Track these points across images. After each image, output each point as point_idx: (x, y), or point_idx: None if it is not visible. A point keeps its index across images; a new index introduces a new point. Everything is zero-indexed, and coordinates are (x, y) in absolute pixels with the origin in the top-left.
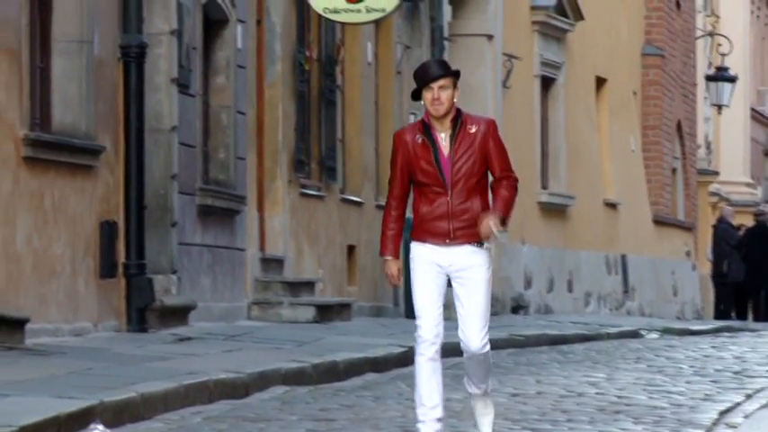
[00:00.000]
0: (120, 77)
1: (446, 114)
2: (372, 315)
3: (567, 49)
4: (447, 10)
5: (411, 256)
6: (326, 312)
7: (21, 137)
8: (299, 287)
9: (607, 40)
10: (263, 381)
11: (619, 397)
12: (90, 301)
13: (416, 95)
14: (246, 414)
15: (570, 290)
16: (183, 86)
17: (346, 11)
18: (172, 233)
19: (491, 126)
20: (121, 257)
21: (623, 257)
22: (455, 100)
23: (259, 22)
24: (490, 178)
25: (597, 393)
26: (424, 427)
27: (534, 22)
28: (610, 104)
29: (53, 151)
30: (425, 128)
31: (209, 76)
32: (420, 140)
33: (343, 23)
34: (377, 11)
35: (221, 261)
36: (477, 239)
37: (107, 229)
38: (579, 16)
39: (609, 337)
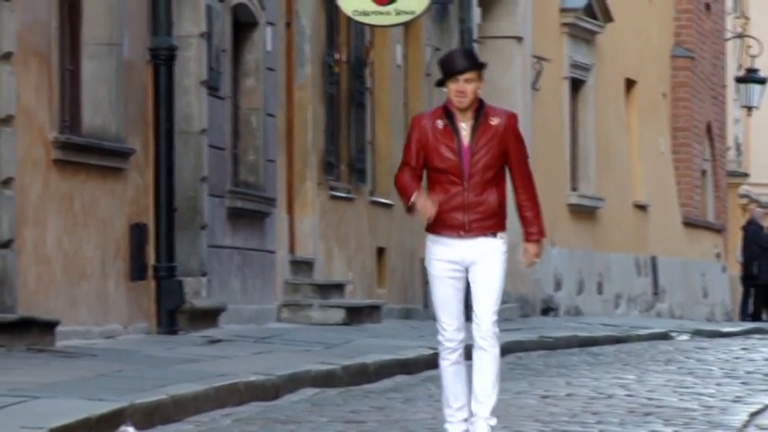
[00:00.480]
0: (149, 80)
1: (469, 106)
2: (402, 317)
3: (597, 51)
4: (476, 12)
5: (427, 252)
6: (356, 314)
7: (51, 139)
8: (329, 289)
9: (637, 42)
10: (293, 383)
11: (649, 399)
12: (120, 304)
13: (441, 84)
14: (276, 416)
15: (600, 292)
16: (212, 89)
17: (375, 13)
18: (202, 235)
19: (512, 120)
20: (151, 260)
21: (653, 259)
22: (479, 92)
23: (288, 25)
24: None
25: (627, 395)
26: (452, 427)
27: (564, 24)
28: (639, 106)
29: (83, 154)
30: (448, 114)
31: (238, 79)
32: (442, 126)
33: (372, 26)
34: (406, 13)
35: (251, 263)
36: (491, 231)
37: (137, 232)
38: (609, 18)
39: (639, 338)
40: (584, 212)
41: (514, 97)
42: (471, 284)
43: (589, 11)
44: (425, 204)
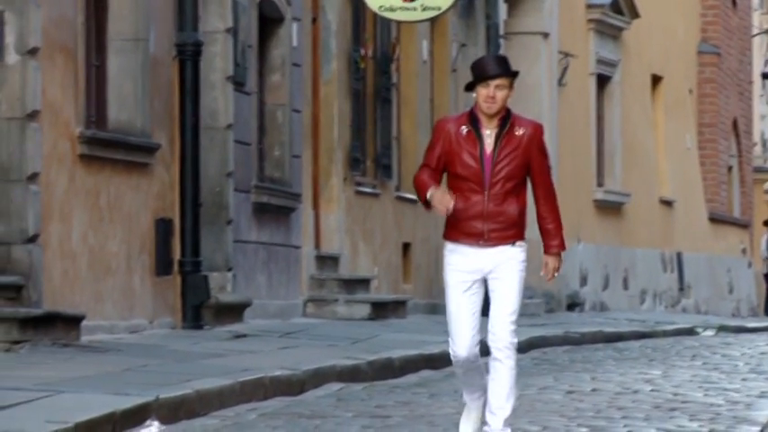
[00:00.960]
0: (175, 75)
1: (497, 113)
2: (427, 312)
3: (623, 46)
4: (502, 8)
5: (445, 261)
6: (382, 309)
7: (77, 135)
8: (355, 284)
9: (663, 37)
10: (318, 378)
11: (674, 394)
12: (145, 299)
13: (470, 87)
14: (301, 411)
15: (626, 287)
16: (238, 84)
17: (402, 9)
18: (227, 230)
19: (538, 131)
20: (177, 255)
21: (679, 255)
22: (509, 100)
23: (314, 20)
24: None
25: (653, 390)
26: (471, 401)
27: (590, 20)
28: (665, 102)
29: (109, 149)
30: (473, 120)
31: (264, 74)
32: (466, 131)
33: (398, 21)
34: (432, 9)
35: (277, 258)
36: (511, 240)
37: (162, 227)
38: (635, 14)
39: (664, 334)
40: (611, 208)
41: (540, 93)
42: (490, 293)
43: (615, 7)
44: (443, 197)
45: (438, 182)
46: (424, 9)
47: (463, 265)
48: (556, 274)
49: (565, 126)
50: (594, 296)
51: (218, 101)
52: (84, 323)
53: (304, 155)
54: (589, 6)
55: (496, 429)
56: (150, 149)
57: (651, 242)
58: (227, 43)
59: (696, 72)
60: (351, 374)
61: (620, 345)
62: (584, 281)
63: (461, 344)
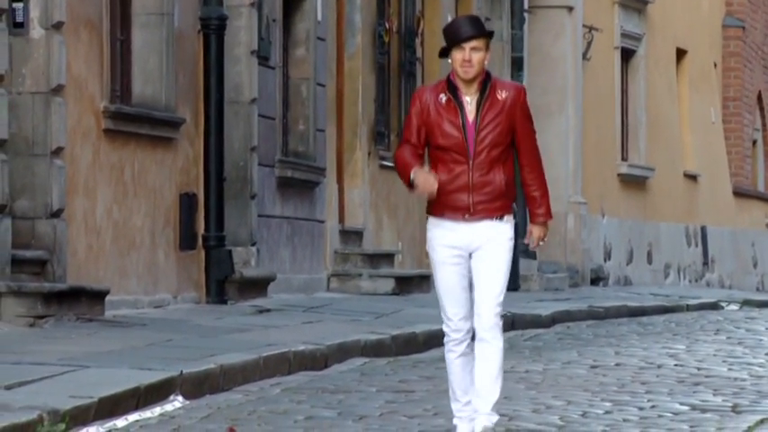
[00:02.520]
0: (200, 50)
1: (475, 77)
2: None
3: (648, 20)
4: None
5: (428, 238)
6: (406, 284)
7: (101, 109)
8: (379, 259)
9: (688, 11)
10: (341, 352)
11: (698, 369)
12: (169, 273)
13: (444, 53)
14: (325, 385)
15: (650, 261)
16: (262, 58)
17: None
18: (251, 205)
19: (521, 93)
20: (201, 229)
21: (703, 229)
22: (486, 63)
23: None
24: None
25: (677, 365)
26: (461, 423)
27: None
28: (690, 76)
29: (133, 123)
30: (451, 87)
31: (288, 48)
32: (445, 100)
33: None
34: None
35: (300, 233)
36: (498, 214)
37: (186, 201)
38: None
39: (688, 308)
40: (635, 182)
41: (565, 67)
42: (474, 272)
43: None
44: (426, 179)
45: (420, 158)
46: None
47: (449, 239)
48: (541, 243)
49: (589, 100)
50: (618, 270)
51: (243, 75)
52: (108, 298)
53: (328, 129)
54: None
55: (484, 413)
56: (175, 124)
57: (675, 216)
58: (251, 17)
59: (721, 46)
60: (375, 349)
61: (644, 319)
62: (608, 255)
63: (454, 318)
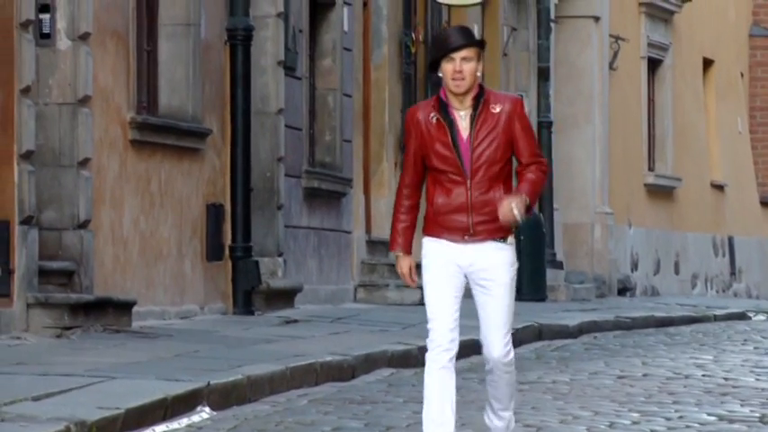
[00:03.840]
0: (226, 60)
1: (467, 91)
2: None
3: (674, 30)
4: None
5: (423, 251)
6: None
7: (128, 120)
8: None
9: (714, 21)
10: (368, 363)
11: (726, 379)
12: (196, 284)
13: (434, 67)
14: (352, 396)
15: (677, 272)
16: (289, 69)
17: None
18: (278, 216)
19: (517, 105)
20: (228, 240)
21: (730, 239)
22: (478, 74)
23: (365, 5)
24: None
25: (704, 375)
26: None
27: (641, 4)
28: (717, 86)
29: (160, 134)
30: (441, 105)
31: (315, 59)
32: (434, 119)
33: (449, 5)
34: None
35: (327, 243)
36: (500, 235)
37: (213, 212)
38: None
39: (716, 318)
40: (662, 192)
41: (591, 77)
42: (478, 305)
43: None
44: (404, 271)
45: (419, 192)
46: None
47: (447, 256)
48: (516, 215)
49: (616, 110)
50: (645, 281)
51: (269, 86)
52: (135, 309)
53: (355, 139)
54: None
55: (502, 429)
56: (201, 135)
57: (702, 226)
58: (278, 28)
59: (748, 55)
60: (402, 360)
61: (672, 329)
62: (635, 265)
63: (442, 325)
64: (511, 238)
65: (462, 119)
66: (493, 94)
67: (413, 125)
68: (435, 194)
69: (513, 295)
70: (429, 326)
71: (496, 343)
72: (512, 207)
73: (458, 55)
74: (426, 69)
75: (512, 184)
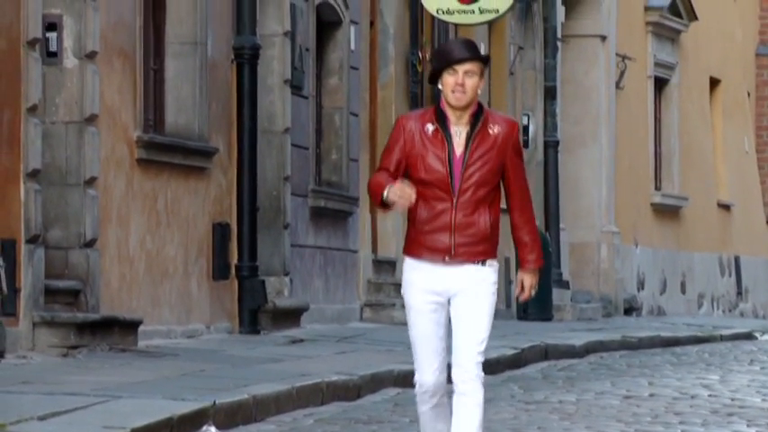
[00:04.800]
0: (233, 79)
1: (467, 106)
2: None
3: (681, 49)
4: (560, 10)
5: (404, 280)
6: None
7: (134, 139)
8: None
9: (721, 40)
10: (375, 383)
11: (732, 399)
12: (202, 303)
13: (435, 78)
14: (358, 416)
15: (683, 291)
16: (296, 88)
17: (459, 12)
18: (284, 235)
19: (514, 130)
20: (234, 259)
21: (737, 259)
22: (479, 91)
23: (372, 24)
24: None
25: (710, 395)
26: None
27: (648, 23)
28: (723, 105)
29: (166, 153)
30: (440, 117)
31: (322, 78)
32: (432, 130)
33: (456, 24)
34: (490, 12)
35: (334, 263)
36: (481, 258)
37: (220, 231)
38: (693, 17)
39: (722, 338)
40: (668, 212)
41: (598, 96)
42: (453, 319)
43: (674, 9)
44: (402, 189)
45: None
46: (482, 12)
47: (426, 284)
48: (532, 293)
49: (623, 129)
50: (652, 300)
51: (276, 104)
52: (141, 328)
53: (361, 158)
54: (647, 9)
55: None
56: (208, 153)
57: (709, 246)
58: (284, 47)
59: (754, 75)
60: (408, 379)
61: (678, 349)
62: (641, 285)
63: (428, 369)
64: (492, 261)
65: (458, 135)
66: (491, 115)
67: (404, 132)
68: (418, 211)
69: (492, 313)
70: (415, 367)
71: (471, 353)
72: (530, 289)
73: (461, 68)
74: (429, 82)
75: (498, 210)
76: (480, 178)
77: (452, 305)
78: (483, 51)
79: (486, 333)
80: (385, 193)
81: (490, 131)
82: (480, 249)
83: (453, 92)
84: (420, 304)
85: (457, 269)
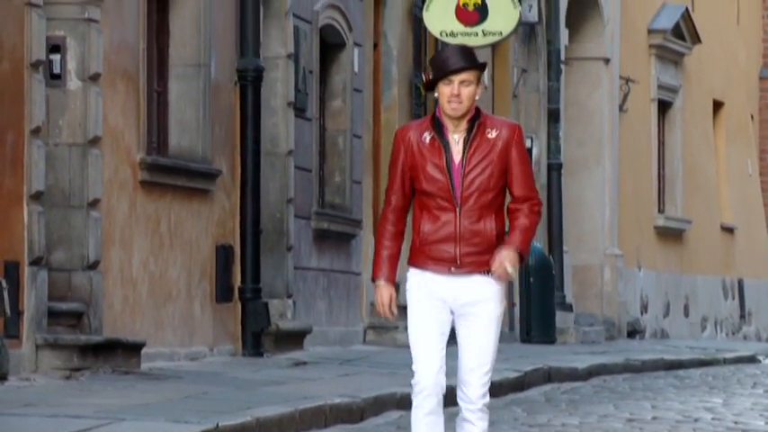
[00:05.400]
0: (236, 101)
1: (464, 115)
2: None
3: (685, 72)
4: (564, 33)
5: (408, 286)
6: None
7: (138, 161)
8: None
9: (724, 63)
10: (378, 405)
11: (735, 422)
12: (206, 326)
13: (431, 86)
14: None
15: (687, 314)
16: (299, 110)
17: (463, 34)
18: (288, 257)
19: (515, 132)
20: (237, 281)
21: (740, 282)
22: (477, 98)
23: (376, 46)
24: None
25: (713, 419)
26: None
27: (651, 46)
28: (727, 128)
29: (170, 175)
30: (437, 125)
31: (325, 100)
32: (429, 139)
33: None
34: (493, 34)
35: (337, 285)
36: (488, 268)
37: (223, 253)
38: (697, 40)
39: (725, 362)
40: (671, 235)
41: (602, 118)
42: (459, 339)
43: (677, 32)
44: (383, 301)
45: (405, 217)
46: (486, 34)
47: (430, 289)
48: (510, 272)
49: (626, 152)
50: (655, 323)
51: (279, 127)
52: (144, 350)
53: (365, 181)
54: (650, 32)
55: None
56: (211, 176)
57: (712, 269)
58: (288, 69)
59: (758, 98)
60: (411, 402)
61: (681, 372)
62: (644, 308)
63: (428, 367)
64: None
65: (456, 142)
66: (489, 119)
67: (403, 144)
68: (422, 221)
69: (498, 333)
70: (414, 367)
71: (477, 380)
72: (505, 265)
73: (457, 78)
74: (425, 90)
75: (504, 217)
76: (482, 184)
77: (458, 325)
78: (486, 74)
79: (492, 356)
80: (375, 284)
81: (488, 136)
82: (487, 258)
83: (449, 102)
84: (422, 303)
85: (463, 279)
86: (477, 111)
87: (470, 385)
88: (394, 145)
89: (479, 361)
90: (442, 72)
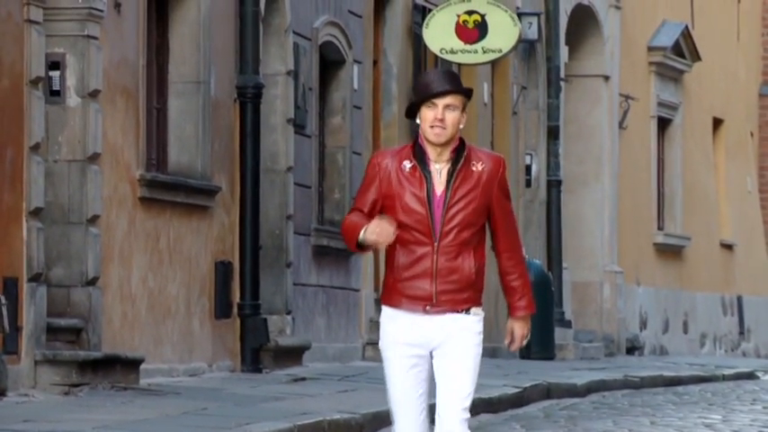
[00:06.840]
0: (236, 118)
1: (447, 143)
2: (487, 356)
3: (684, 89)
4: (563, 50)
5: (381, 333)
6: None
7: (137, 177)
8: None
9: (724, 80)
10: (377, 421)
11: None
12: (205, 342)
13: (412, 112)
14: None
15: (686, 331)
16: (299, 127)
17: (463, 51)
18: (287, 273)
19: (500, 166)
20: (236, 298)
21: (739, 299)
22: (461, 126)
23: (375, 63)
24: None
25: None
26: None
27: (651, 63)
28: (726, 145)
29: (169, 192)
30: (418, 153)
31: (325, 117)
32: (409, 167)
33: (459, 64)
34: (493, 51)
35: (336, 301)
36: (465, 307)
37: (222, 270)
38: (696, 57)
39: (724, 378)
40: (671, 251)
41: (601, 135)
42: (437, 371)
43: (677, 49)
44: (378, 224)
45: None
46: (485, 52)
47: (406, 337)
48: (523, 343)
49: (625, 169)
50: (654, 340)
51: (279, 143)
52: (143, 366)
53: None
54: (650, 49)
55: None
56: (210, 192)
57: (711, 286)
58: (287, 86)
59: (757, 115)
60: None
61: (680, 389)
62: (643, 324)
63: (410, 427)
64: (477, 309)
65: (438, 172)
66: (474, 151)
67: (378, 171)
68: (396, 255)
69: (477, 365)
70: (394, 428)
71: (455, 411)
72: (521, 340)
73: (441, 101)
74: (406, 116)
75: (483, 253)
76: (464, 219)
77: (435, 359)
78: (486, 91)
79: (471, 387)
80: (361, 235)
81: (473, 168)
82: (464, 297)
83: (432, 127)
84: (399, 360)
85: (439, 319)
86: (462, 141)
87: (449, 420)
88: (367, 171)
89: (458, 393)
90: (426, 95)
